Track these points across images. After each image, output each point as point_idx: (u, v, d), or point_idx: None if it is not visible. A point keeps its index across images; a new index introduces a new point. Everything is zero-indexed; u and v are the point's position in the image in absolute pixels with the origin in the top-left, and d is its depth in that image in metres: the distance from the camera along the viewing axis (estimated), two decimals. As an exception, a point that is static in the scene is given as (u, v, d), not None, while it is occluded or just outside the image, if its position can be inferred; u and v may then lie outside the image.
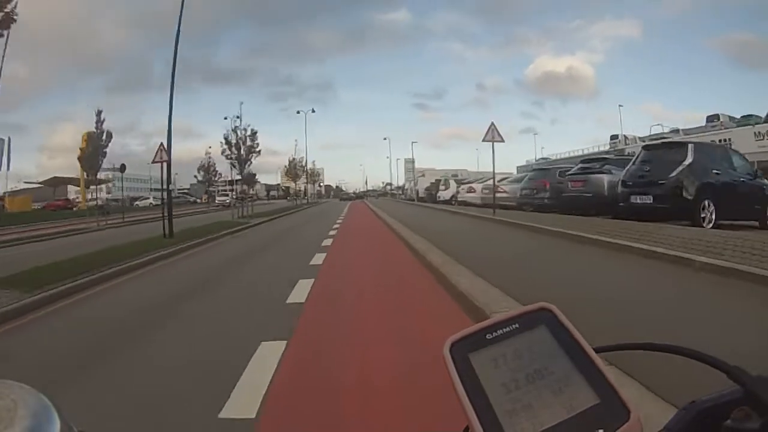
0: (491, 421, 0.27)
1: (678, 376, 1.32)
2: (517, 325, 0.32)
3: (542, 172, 14.00)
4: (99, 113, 30.59)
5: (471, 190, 19.01)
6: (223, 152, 25.96)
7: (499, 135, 10.64)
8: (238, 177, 31.48)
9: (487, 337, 0.31)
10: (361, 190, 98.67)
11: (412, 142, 68.71)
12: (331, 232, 11.13)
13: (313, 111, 48.99)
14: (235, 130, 25.58)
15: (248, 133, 26.21)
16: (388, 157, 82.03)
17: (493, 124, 10.60)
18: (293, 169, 47.63)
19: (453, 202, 20.99)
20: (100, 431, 1.93)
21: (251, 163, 25.57)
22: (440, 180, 28.55)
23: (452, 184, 23.51)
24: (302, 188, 54.63)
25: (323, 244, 8.61)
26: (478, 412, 0.27)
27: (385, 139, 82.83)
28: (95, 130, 30.23)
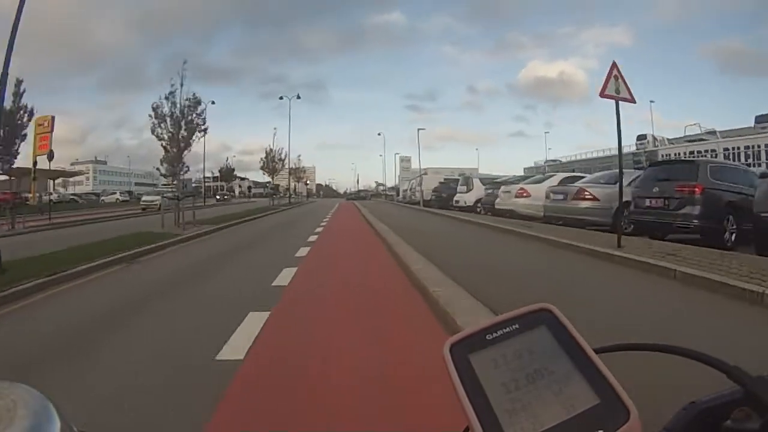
0: (491, 421, 0.27)
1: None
2: (517, 326, 0.32)
3: (687, 166, 7.71)
4: (19, 83, 23.01)
5: (523, 194, 12.16)
6: (152, 130, 15.70)
7: (627, 89, 6.08)
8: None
9: (487, 337, 0.31)
10: (352, 190, 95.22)
11: (419, 144, 60.59)
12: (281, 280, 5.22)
13: (299, 97, 41.63)
14: (169, 97, 15.45)
15: (188, 103, 15.81)
16: (381, 155, 75.49)
17: (615, 65, 6.05)
18: (271, 162, 39.03)
19: (479, 210, 15.71)
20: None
21: (191, 146, 16.03)
22: (453, 179, 23.15)
23: (476, 183, 17.33)
24: (289, 186, 49.50)
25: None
26: (478, 412, 0.27)
27: (379, 134, 76.06)
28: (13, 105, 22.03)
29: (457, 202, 18.01)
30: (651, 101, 46.11)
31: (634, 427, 0.26)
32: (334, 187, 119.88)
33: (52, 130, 23.50)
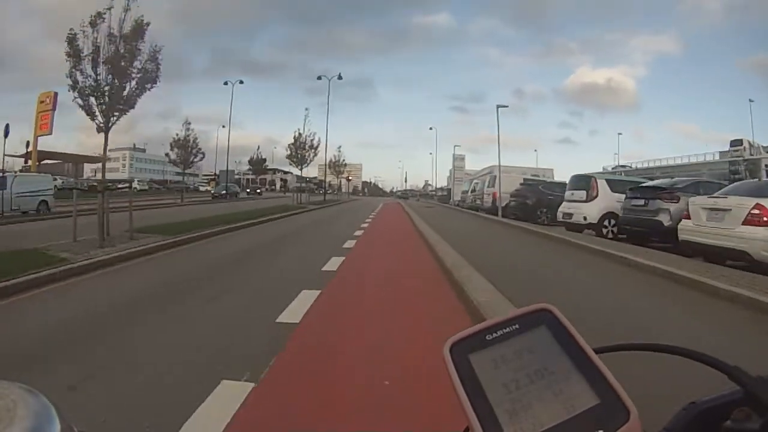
0: (491, 421, 0.27)
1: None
2: (517, 326, 0.32)
3: None
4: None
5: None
6: (69, 75, 8.08)
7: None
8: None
9: (487, 337, 0.31)
10: (398, 189, 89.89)
11: (455, 146, 50.70)
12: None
13: (340, 77, 35.70)
14: (98, 21, 8.63)
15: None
16: (431, 153, 68.82)
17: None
18: (300, 149, 31.35)
19: (607, 233, 9.94)
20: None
21: (133, 104, 8.65)
22: (539, 180, 17.76)
23: (602, 188, 10.53)
24: (325, 179, 44.61)
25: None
26: (478, 412, 0.27)
27: (431, 128, 66.87)
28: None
29: (567, 216, 11.00)
30: (750, 100, 38.51)
31: (634, 427, 0.26)
32: (380, 185, 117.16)
33: (54, 108, 21.90)
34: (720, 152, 36.01)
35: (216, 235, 9.25)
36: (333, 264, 6.07)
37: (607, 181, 10.98)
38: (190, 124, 30.05)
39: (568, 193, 11.51)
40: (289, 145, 31.80)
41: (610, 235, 9.73)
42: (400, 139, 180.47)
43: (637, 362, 1.88)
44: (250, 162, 53.75)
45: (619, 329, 3.15)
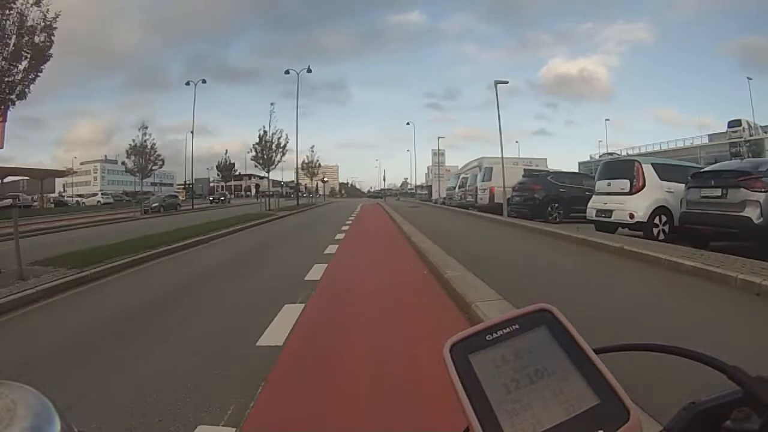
0: (491, 421, 0.27)
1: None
2: (517, 326, 0.32)
3: None
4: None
5: None
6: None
7: None
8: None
9: (487, 338, 0.31)
10: (374, 189, 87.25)
11: (439, 137, 42.92)
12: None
13: (309, 71, 31.21)
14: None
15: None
16: (408, 150, 66.14)
17: None
18: (266, 149, 27.96)
19: (659, 234, 7.68)
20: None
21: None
22: (545, 171, 15.59)
23: (650, 175, 8.04)
24: (297, 182, 38.05)
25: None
26: (478, 412, 0.27)
27: (408, 123, 64.51)
28: None
29: (604, 213, 8.45)
30: (749, 78, 36.45)
31: (634, 427, 0.26)
32: (357, 186, 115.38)
33: (4, 120, 21.76)
34: (710, 135, 35.63)
35: (131, 266, 6.35)
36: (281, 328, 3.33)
37: (654, 165, 8.20)
38: (146, 128, 27.71)
39: (601, 184, 8.93)
40: (254, 145, 27.95)
41: (662, 236, 7.55)
42: (376, 140, 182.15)
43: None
44: (218, 168, 50.48)
45: None
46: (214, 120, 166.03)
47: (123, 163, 27.31)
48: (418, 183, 57.57)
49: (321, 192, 59.84)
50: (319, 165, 47.71)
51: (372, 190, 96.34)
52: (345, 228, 12.37)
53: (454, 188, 22.94)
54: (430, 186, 42.69)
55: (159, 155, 28.49)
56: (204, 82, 33.53)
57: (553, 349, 0.30)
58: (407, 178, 58.06)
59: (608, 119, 70.91)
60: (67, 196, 42.60)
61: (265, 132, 28.49)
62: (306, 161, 44.64)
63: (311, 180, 48.66)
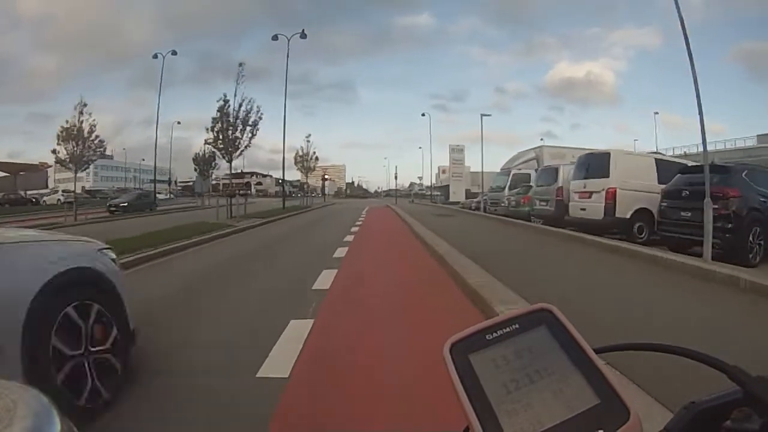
0: (491, 421, 0.27)
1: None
2: (517, 326, 0.32)
3: None
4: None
5: None
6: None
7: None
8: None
9: (487, 337, 0.31)
10: (382, 189, 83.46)
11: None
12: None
13: (303, 36, 24.37)
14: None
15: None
16: (420, 148, 60.34)
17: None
18: (227, 128, 18.27)
19: None
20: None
21: None
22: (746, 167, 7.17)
23: None
24: (282, 180, 31.10)
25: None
26: (478, 412, 0.27)
27: (423, 115, 53.57)
28: None
29: None
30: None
31: (634, 427, 0.26)
32: (364, 186, 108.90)
33: None
34: (758, 136, 33.86)
35: None
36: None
37: None
38: (85, 105, 19.94)
39: None
40: (212, 121, 17.50)
41: None
42: (383, 140, 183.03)
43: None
44: (194, 161, 37.02)
45: None
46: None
47: (53, 151, 19.90)
48: (428, 183, 50.20)
49: (325, 191, 52.27)
50: (317, 158, 37.57)
51: (380, 190, 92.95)
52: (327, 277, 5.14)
53: (503, 189, 15.94)
54: (446, 186, 37.63)
55: (101, 141, 21.00)
56: (174, 53, 27.91)
57: (553, 349, 0.30)
58: (421, 177, 49.43)
59: (657, 112, 56.95)
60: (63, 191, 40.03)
61: (226, 101, 17.75)
62: (300, 154, 35.47)
63: (306, 176, 38.78)
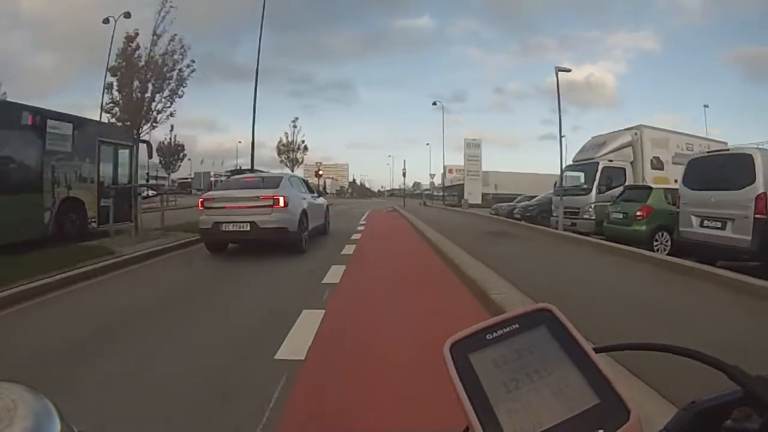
0: (491, 421, 0.27)
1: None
2: (517, 326, 0.32)
3: None
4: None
5: None
6: None
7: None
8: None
9: (487, 337, 0.31)
10: (385, 188, 79.86)
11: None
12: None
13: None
14: None
15: None
16: (428, 144, 57.27)
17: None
18: (134, 74, 10.03)
19: None
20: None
21: None
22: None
23: None
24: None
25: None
26: (478, 412, 0.27)
27: (434, 103, 35.46)
28: None
29: None
30: None
31: (634, 427, 0.26)
32: (367, 185, 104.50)
33: None
34: None
35: None
36: None
37: None
38: None
39: None
40: (111, 75, 10.97)
41: None
42: (385, 140, 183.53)
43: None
44: (159, 152, 31.46)
45: None
46: (222, 117, 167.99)
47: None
48: (439, 182, 43.18)
49: (329, 191, 45.14)
50: (305, 148, 28.83)
51: (383, 189, 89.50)
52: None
53: (585, 190, 10.40)
54: (455, 186, 33.82)
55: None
56: (127, 16, 20.41)
57: (553, 349, 0.30)
58: (433, 175, 41.02)
59: (707, 105, 46.73)
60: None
61: (133, 38, 9.96)
62: (283, 143, 27.61)
63: (292, 170, 28.34)
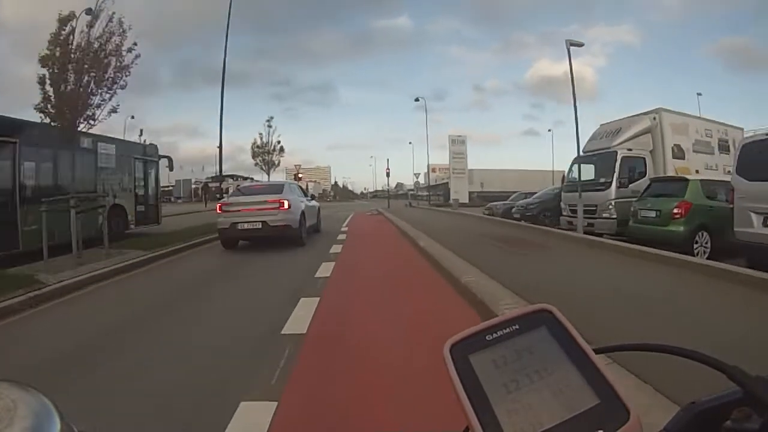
0: (491, 421, 0.27)
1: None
2: (517, 326, 0.32)
3: None
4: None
5: None
6: None
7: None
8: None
9: (487, 338, 0.31)
10: (368, 190, 79.81)
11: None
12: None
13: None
14: None
15: None
16: (410, 143, 58.20)
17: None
18: (62, 70, 7.51)
19: None
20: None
21: None
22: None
23: None
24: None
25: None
26: (478, 412, 0.27)
27: (417, 100, 32.61)
28: None
29: None
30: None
31: (634, 428, 0.26)
32: (350, 187, 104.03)
33: None
34: None
35: None
36: None
37: None
38: None
39: None
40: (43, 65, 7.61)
41: None
42: (367, 141, 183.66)
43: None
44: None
45: None
46: (205, 122, 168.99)
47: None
48: (423, 181, 39.05)
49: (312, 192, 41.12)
50: (281, 149, 25.67)
51: (366, 191, 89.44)
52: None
53: (603, 185, 8.96)
54: (439, 185, 33.65)
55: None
56: (89, 12, 11.60)
57: (553, 349, 0.30)
58: (418, 175, 35.92)
59: (700, 93, 35.85)
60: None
61: (67, 21, 7.40)
62: (258, 144, 24.77)
63: (268, 173, 24.91)
